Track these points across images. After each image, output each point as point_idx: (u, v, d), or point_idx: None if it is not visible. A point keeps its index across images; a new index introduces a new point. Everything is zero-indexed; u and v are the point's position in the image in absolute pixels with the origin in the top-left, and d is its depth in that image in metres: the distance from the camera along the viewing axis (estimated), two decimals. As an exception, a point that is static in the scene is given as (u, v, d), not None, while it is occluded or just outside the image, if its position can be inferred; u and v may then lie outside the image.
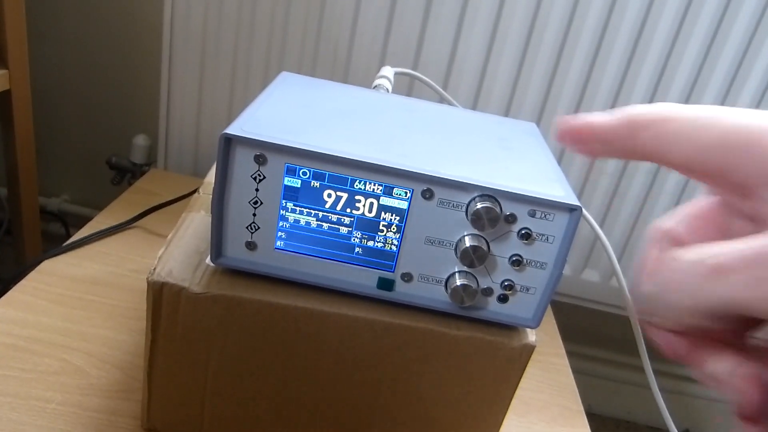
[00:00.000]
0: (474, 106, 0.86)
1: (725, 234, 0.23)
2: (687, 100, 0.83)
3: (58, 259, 0.68)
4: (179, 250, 0.45)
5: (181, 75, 0.87)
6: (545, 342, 0.75)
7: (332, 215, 0.41)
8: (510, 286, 0.42)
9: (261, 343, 0.44)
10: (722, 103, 0.83)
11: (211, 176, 0.55)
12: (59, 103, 1.01)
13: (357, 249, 0.42)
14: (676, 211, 0.25)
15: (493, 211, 0.39)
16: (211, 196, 0.41)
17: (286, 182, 0.40)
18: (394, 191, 0.40)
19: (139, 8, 0.93)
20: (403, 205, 0.40)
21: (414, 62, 0.84)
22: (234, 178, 0.40)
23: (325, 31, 0.83)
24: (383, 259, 0.42)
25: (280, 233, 0.41)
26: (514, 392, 0.45)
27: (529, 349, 0.43)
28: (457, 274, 0.41)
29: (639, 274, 0.22)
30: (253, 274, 0.43)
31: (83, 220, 0.82)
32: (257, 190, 0.40)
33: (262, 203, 0.41)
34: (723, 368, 0.21)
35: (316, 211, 0.41)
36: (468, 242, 0.40)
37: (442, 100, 0.78)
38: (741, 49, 0.80)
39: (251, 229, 0.41)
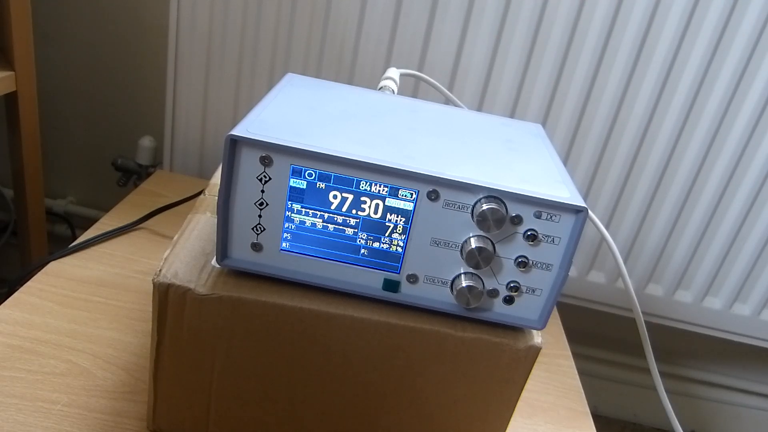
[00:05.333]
0: (479, 108, 0.86)
1: None
2: (693, 102, 0.83)
3: (64, 260, 0.69)
4: (185, 251, 0.45)
5: (187, 76, 0.87)
6: (551, 343, 0.75)
7: (338, 216, 0.41)
8: (516, 288, 0.42)
9: (266, 345, 0.44)
10: (728, 104, 0.83)
11: (216, 178, 0.55)
12: (65, 105, 1.01)
13: (362, 250, 0.42)
14: None
15: (498, 213, 0.39)
16: (216, 198, 0.41)
17: (291, 183, 0.40)
18: (399, 192, 0.40)
19: (144, 10, 0.93)
20: (409, 206, 0.40)
21: (419, 63, 0.84)
22: (240, 180, 0.40)
23: (330, 33, 0.83)
24: (389, 260, 0.42)
25: (285, 234, 0.41)
26: (520, 394, 0.45)
27: (535, 351, 0.43)
28: (462, 276, 0.41)
29: None
30: (259, 275, 0.43)
31: (89, 222, 0.83)
32: (263, 191, 0.40)
33: (267, 204, 0.41)
34: None
35: (322, 213, 0.41)
36: (473, 243, 0.40)
37: (447, 101, 0.78)
38: (747, 50, 0.80)
39: (257, 230, 0.41)
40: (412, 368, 0.44)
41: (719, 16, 0.78)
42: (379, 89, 0.59)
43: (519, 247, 0.41)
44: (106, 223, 0.76)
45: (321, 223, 0.41)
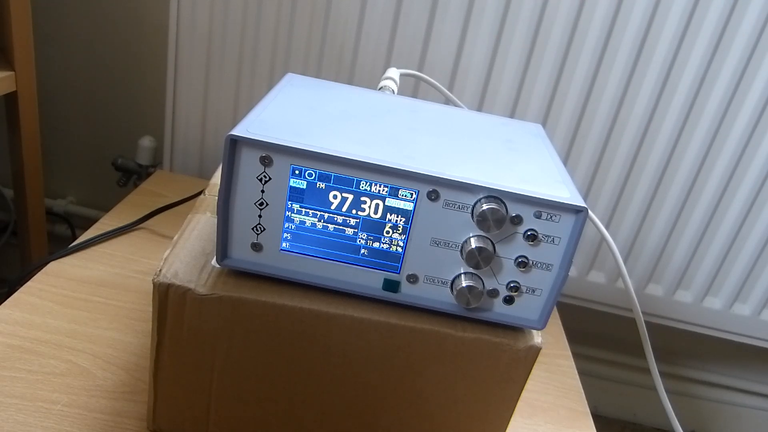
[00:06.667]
0: (479, 108, 0.86)
1: None
2: (693, 102, 0.83)
3: (64, 260, 0.69)
4: (185, 251, 0.45)
5: (187, 76, 0.87)
6: (551, 343, 0.75)
7: (338, 216, 0.41)
8: (516, 288, 0.42)
9: (266, 345, 0.44)
10: (728, 104, 0.83)
11: (216, 178, 0.55)
12: (65, 105, 1.01)
13: (362, 250, 0.42)
14: None
15: (498, 213, 0.39)
16: (216, 198, 0.41)
17: (291, 183, 0.40)
18: (399, 192, 0.40)
19: (144, 10, 0.93)
20: (409, 206, 0.40)
21: (419, 63, 0.84)
22: (240, 180, 0.40)
23: (330, 33, 0.83)
24: (389, 260, 0.42)
25: (285, 234, 0.41)
26: (520, 394, 0.45)
27: (535, 351, 0.43)
28: (462, 276, 0.41)
29: None
30: (259, 275, 0.43)
31: (89, 222, 0.83)
32: (263, 191, 0.40)
33: (267, 204, 0.41)
34: None
35: (322, 213, 0.41)
36: (474, 243, 0.40)
37: (447, 101, 0.78)
38: (747, 50, 0.80)
39: (257, 230, 0.41)
40: (412, 368, 0.44)
41: (719, 16, 0.78)
42: (379, 89, 0.59)
43: (519, 247, 0.41)
44: (106, 223, 0.76)
45: (321, 223, 0.41)
